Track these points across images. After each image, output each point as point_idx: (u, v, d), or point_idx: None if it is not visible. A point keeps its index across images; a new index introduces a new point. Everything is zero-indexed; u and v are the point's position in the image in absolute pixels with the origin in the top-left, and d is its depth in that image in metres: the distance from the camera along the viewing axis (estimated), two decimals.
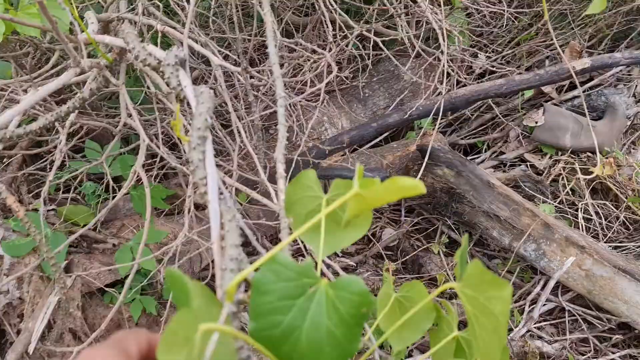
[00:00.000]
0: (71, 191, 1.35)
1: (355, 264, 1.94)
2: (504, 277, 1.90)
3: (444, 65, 1.14)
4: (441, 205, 2.02)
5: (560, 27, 2.37)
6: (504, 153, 2.34)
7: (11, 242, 1.20)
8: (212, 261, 1.51)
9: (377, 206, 0.51)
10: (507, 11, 1.96)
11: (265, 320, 0.47)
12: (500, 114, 2.33)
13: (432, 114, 1.32)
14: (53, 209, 1.36)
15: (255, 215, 1.63)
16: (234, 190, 1.08)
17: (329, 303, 0.45)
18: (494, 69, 2.26)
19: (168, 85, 0.71)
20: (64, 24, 1.04)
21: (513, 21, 2.29)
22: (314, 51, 1.21)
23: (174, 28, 1.22)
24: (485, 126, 2.40)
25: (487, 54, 2.17)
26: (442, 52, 1.15)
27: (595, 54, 2.41)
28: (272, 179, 1.29)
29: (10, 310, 1.16)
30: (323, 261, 0.87)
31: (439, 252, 1.98)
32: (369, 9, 1.57)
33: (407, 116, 1.46)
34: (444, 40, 1.13)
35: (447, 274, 1.92)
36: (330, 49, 1.18)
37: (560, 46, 2.37)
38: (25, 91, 1.29)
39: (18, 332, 1.14)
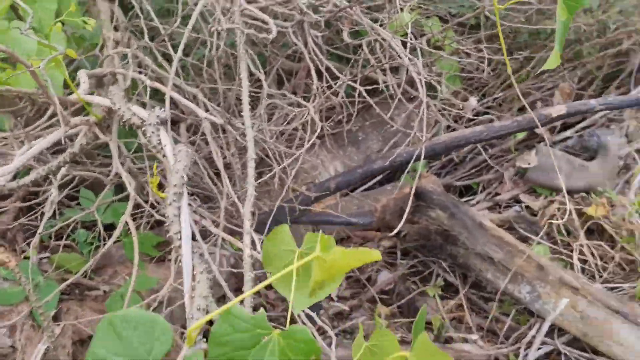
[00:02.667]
0: (64, 238, 1.38)
1: (350, 309, 1.94)
2: (499, 319, 1.89)
3: (423, 113, 1.17)
4: (436, 248, 2.03)
5: (551, 70, 2.42)
6: (499, 194, 2.35)
7: (3, 290, 1.22)
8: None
9: (341, 273, 0.55)
10: (497, 54, 2.01)
11: None
12: (494, 154, 2.36)
13: (412, 160, 1.35)
14: (47, 257, 1.38)
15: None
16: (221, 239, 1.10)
17: (281, 352, 0.48)
18: (488, 111, 2.30)
19: (149, 143, 0.75)
20: (58, 83, 1.09)
21: (504, 64, 2.33)
22: (299, 104, 1.25)
23: (163, 81, 1.27)
24: (479, 167, 2.42)
25: (478, 98, 2.21)
26: (421, 101, 1.19)
27: (586, 95, 2.46)
28: (260, 227, 1.32)
29: (2, 359, 1.17)
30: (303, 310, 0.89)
31: (434, 295, 1.98)
32: (357, 57, 1.62)
33: (389, 163, 1.49)
34: (422, 89, 1.17)
35: (443, 317, 1.91)
36: (315, 99, 1.22)
37: (551, 88, 2.42)
38: (22, 142, 1.34)
39: None
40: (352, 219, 1.56)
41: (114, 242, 1.47)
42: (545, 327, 1.66)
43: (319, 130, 1.15)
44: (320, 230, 0.61)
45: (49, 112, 1.24)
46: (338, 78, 1.60)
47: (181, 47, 0.93)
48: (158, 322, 0.49)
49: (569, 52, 2.31)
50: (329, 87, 1.34)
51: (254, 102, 1.78)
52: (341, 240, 2.15)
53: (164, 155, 0.73)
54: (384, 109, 1.81)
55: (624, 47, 2.36)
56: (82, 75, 1.03)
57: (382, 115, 2.16)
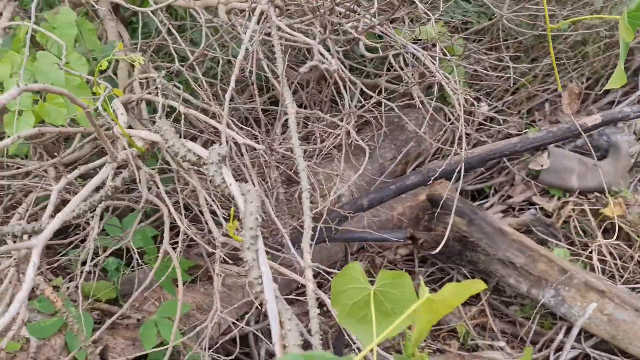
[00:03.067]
0: (97, 266, 1.35)
1: None
2: (522, 324, 1.89)
3: (461, 130, 1.17)
4: (455, 254, 2.02)
5: (558, 70, 2.43)
6: (511, 197, 2.35)
7: (36, 324, 1.20)
8: (233, 323, 1.49)
9: (446, 313, 0.54)
10: (506, 59, 2.01)
11: None
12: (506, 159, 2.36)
13: (453, 174, 1.34)
14: (75, 286, 1.36)
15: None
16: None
17: None
18: (497, 115, 2.31)
19: (212, 182, 0.73)
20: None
21: (509, 66, 2.34)
22: (323, 119, 1.24)
23: (195, 107, 1.25)
24: (491, 171, 2.42)
25: (488, 102, 2.21)
26: (458, 117, 1.18)
27: (592, 95, 2.47)
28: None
29: None
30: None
31: None
32: (382, 74, 1.62)
33: (426, 179, 1.48)
34: (459, 106, 1.16)
35: (466, 324, 1.91)
36: (349, 118, 1.21)
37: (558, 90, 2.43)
38: (45, 171, 1.31)
39: None
40: (387, 236, 1.55)
41: (140, 267, 1.45)
42: (575, 331, 1.66)
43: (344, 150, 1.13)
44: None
45: (75, 141, 1.21)
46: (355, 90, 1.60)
47: (233, 80, 0.91)
48: None
49: (577, 54, 2.32)
50: (362, 106, 1.33)
51: (274, 118, 1.77)
52: (358, 251, 2.14)
53: (229, 194, 0.72)
54: (396, 114, 1.80)
55: None
56: (119, 105, 1.01)
57: (393, 122, 2.15)
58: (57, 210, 0.93)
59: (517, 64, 2.22)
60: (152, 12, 1.30)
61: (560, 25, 1.03)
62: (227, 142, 1.02)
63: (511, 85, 2.32)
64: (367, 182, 2.16)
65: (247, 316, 1.19)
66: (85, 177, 1.39)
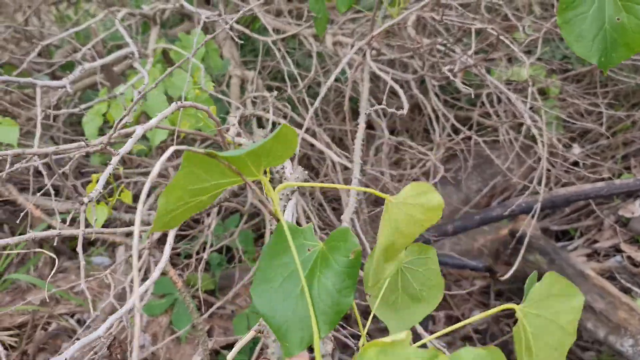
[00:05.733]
0: (199, 260, 1.53)
1: (445, 344, 1.98)
2: None
3: (542, 169, 1.23)
4: None
5: None
6: (597, 241, 2.32)
7: (148, 303, 1.38)
8: None
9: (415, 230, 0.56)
10: (601, 105, 2.02)
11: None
12: (594, 202, 2.34)
13: (532, 211, 1.40)
14: (180, 274, 1.54)
15: None
16: None
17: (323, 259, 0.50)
18: (591, 158, 2.30)
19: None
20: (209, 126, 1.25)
21: (608, 109, 2.33)
22: (413, 148, 1.35)
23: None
24: (578, 213, 2.41)
25: (581, 144, 2.22)
26: (539, 158, 1.25)
27: None
28: None
29: None
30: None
31: None
32: (474, 109, 1.70)
33: (508, 212, 1.55)
34: (543, 146, 1.23)
35: None
36: (438, 148, 1.32)
37: None
38: None
39: None
40: (467, 262, 1.62)
41: (240, 264, 1.61)
42: None
43: (439, 176, 1.23)
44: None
45: (196, 146, 1.40)
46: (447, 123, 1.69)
47: (318, 100, 1.05)
48: None
49: None
50: (452, 138, 1.43)
51: (369, 142, 1.90)
52: None
53: (281, 177, 0.84)
54: (486, 147, 1.87)
55: None
56: (233, 119, 1.17)
57: (481, 156, 2.21)
58: None
59: (613, 110, 2.22)
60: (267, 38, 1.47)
61: None
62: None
63: (606, 130, 2.31)
64: (452, 211, 2.23)
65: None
66: None
